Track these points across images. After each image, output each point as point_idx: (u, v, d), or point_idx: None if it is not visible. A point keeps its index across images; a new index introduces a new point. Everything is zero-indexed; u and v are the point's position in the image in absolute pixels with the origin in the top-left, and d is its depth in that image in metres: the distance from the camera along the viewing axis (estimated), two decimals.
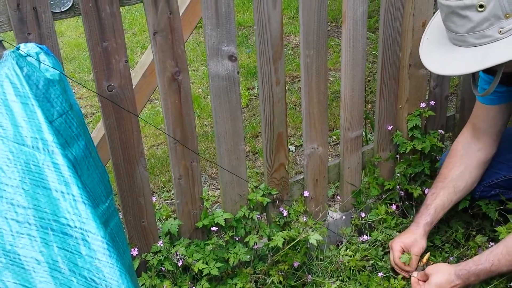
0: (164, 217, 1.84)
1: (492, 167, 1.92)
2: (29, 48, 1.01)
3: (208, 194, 1.89)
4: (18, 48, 0.99)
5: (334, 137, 2.95)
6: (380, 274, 1.91)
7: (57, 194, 0.90)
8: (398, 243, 1.90)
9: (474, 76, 1.70)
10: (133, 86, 1.71)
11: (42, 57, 1.01)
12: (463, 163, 1.89)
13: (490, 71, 1.56)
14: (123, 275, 0.88)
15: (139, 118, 1.66)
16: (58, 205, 0.90)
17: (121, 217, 1.61)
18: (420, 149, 2.12)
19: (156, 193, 2.71)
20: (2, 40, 0.99)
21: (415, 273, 1.87)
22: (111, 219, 1.08)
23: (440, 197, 1.90)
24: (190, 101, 1.69)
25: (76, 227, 0.89)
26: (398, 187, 2.13)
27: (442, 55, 1.56)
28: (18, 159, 0.91)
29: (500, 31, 1.43)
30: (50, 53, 1.06)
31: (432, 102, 2.14)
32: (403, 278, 1.91)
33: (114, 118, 1.58)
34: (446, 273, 1.77)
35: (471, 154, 1.89)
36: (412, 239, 1.88)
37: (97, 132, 2.28)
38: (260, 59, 1.74)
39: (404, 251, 1.90)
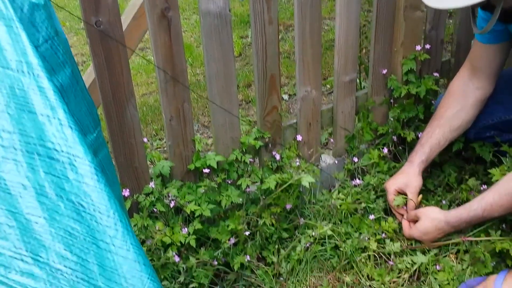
0: (155, 160, 1.83)
1: (488, 108, 1.91)
2: None
3: (200, 138, 1.87)
4: None
5: (328, 85, 2.92)
6: (371, 217, 1.92)
7: (43, 119, 0.88)
8: (392, 185, 1.90)
9: (473, 13, 1.66)
10: (123, 29, 1.66)
11: None
12: (460, 102, 1.88)
13: (489, 8, 1.53)
14: (112, 200, 0.87)
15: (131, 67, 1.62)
16: (44, 129, 0.87)
17: (113, 159, 1.59)
18: (415, 93, 2.10)
19: (148, 140, 2.69)
20: None
21: (403, 222, 1.89)
22: (100, 150, 1.06)
23: (436, 135, 1.89)
24: (180, 40, 1.64)
25: (62, 151, 0.87)
26: (390, 131, 2.12)
27: None
28: (2, 83, 0.88)
29: None
30: None
31: (427, 46, 2.11)
32: (396, 220, 1.93)
33: (103, 57, 1.54)
34: (435, 220, 1.78)
35: (468, 92, 1.88)
36: (406, 179, 1.88)
37: (88, 76, 2.24)
38: None
39: (399, 192, 1.91)
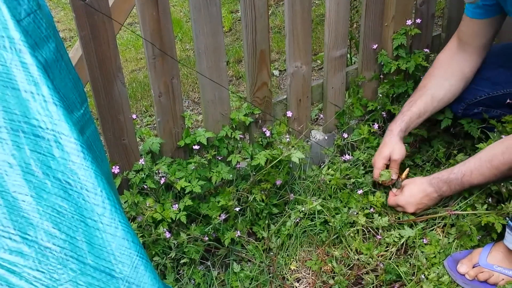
0: (145, 136, 1.82)
1: (475, 84, 1.91)
2: None
3: (190, 114, 1.86)
4: None
5: (319, 61, 2.90)
6: (360, 192, 1.93)
7: (27, 95, 0.86)
8: (379, 160, 1.91)
9: None
10: (110, 4, 1.63)
11: None
12: (445, 73, 1.88)
13: None
14: (99, 178, 0.86)
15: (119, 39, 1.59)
16: (28, 106, 0.86)
17: (100, 133, 1.58)
18: (405, 69, 2.09)
19: (138, 117, 2.67)
20: None
21: (394, 190, 1.91)
22: (87, 127, 1.05)
23: (417, 105, 1.90)
24: (168, 14, 1.61)
25: (48, 128, 0.85)
26: (379, 107, 2.12)
27: None
28: None
29: None
30: None
31: (418, 20, 2.09)
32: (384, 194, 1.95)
33: (89, 30, 1.51)
34: (419, 183, 1.83)
35: (455, 64, 1.88)
36: (390, 149, 1.90)
37: (75, 52, 2.20)
38: None
39: (387, 165, 1.92)
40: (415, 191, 1.83)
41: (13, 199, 0.88)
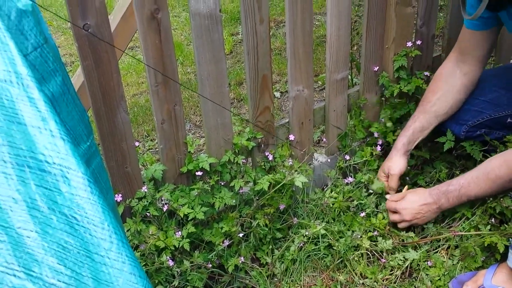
0: (147, 163, 1.81)
1: (477, 106, 1.91)
2: None
3: (193, 140, 1.86)
4: None
5: (320, 82, 2.91)
6: (362, 214, 1.93)
7: (34, 130, 0.86)
8: (379, 172, 1.99)
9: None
10: (112, 30, 1.63)
11: None
12: (446, 87, 1.91)
13: None
14: (106, 212, 0.85)
15: (119, 65, 1.60)
16: (35, 141, 0.86)
17: (103, 162, 1.57)
18: (406, 91, 2.10)
19: (140, 142, 2.67)
20: None
21: (388, 196, 1.92)
22: (93, 159, 1.05)
23: (420, 120, 1.93)
24: (170, 41, 1.62)
25: (54, 163, 0.85)
26: (376, 135, 2.13)
27: None
28: None
29: None
30: None
31: (418, 42, 2.11)
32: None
33: (92, 60, 1.51)
34: (420, 193, 1.87)
35: (456, 77, 1.90)
36: (390, 162, 1.95)
37: (77, 78, 2.21)
38: None
39: (388, 176, 1.97)
40: (415, 199, 1.86)
41: (18, 235, 0.87)
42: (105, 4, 1.48)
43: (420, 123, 1.93)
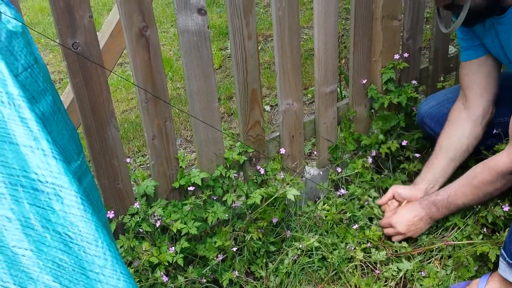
0: (139, 179, 1.81)
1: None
2: None
3: (184, 155, 1.86)
4: None
5: (309, 95, 2.93)
6: (355, 226, 1.93)
7: (26, 150, 0.86)
8: (392, 190, 1.98)
9: (439, 13, 1.70)
10: (101, 47, 1.65)
11: (3, 8, 0.95)
12: (458, 130, 1.91)
13: (454, 8, 1.58)
14: (100, 229, 0.85)
15: (109, 82, 1.60)
16: (27, 160, 0.86)
17: (95, 180, 1.57)
18: (396, 103, 2.12)
19: (131, 157, 2.67)
20: None
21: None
22: (84, 177, 1.05)
23: (440, 160, 1.94)
24: (159, 58, 1.63)
25: (47, 182, 0.85)
26: (374, 153, 2.15)
27: None
28: None
29: None
30: (10, 4, 1.00)
31: (405, 54, 2.14)
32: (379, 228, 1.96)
33: (81, 77, 1.52)
34: (411, 205, 1.90)
35: (464, 119, 1.90)
36: (409, 193, 1.95)
37: (66, 95, 2.22)
38: (231, 12, 1.69)
39: (395, 199, 1.99)
40: (407, 212, 1.89)
41: (13, 253, 0.87)
42: (93, 22, 1.50)
43: (441, 164, 1.93)
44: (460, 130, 1.91)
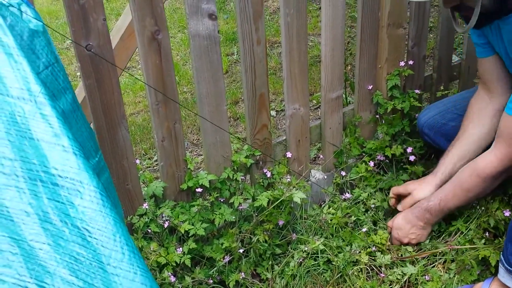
0: (148, 181, 1.84)
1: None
2: None
3: (191, 158, 1.89)
4: None
5: (314, 101, 2.96)
6: (364, 229, 1.96)
7: (46, 145, 0.89)
8: (401, 188, 2.00)
9: (453, 15, 1.72)
10: None
11: (24, 8, 0.98)
12: (478, 115, 1.89)
13: (465, 10, 1.60)
14: (118, 224, 0.88)
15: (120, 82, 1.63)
16: (47, 156, 0.88)
17: None
18: (400, 109, 2.15)
19: (138, 160, 2.69)
20: None
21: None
22: (102, 174, 1.08)
23: (454, 147, 1.91)
24: (170, 61, 1.66)
25: (67, 177, 0.88)
26: (381, 157, 2.16)
27: None
28: (2, 110, 0.89)
29: None
30: (30, 5, 1.03)
31: (410, 62, 2.16)
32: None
33: (94, 79, 1.55)
34: (403, 216, 1.92)
35: (484, 107, 1.88)
36: (420, 186, 1.94)
37: (77, 95, 2.24)
38: (241, 17, 1.72)
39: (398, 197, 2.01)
40: (401, 224, 1.92)
41: (30, 247, 0.89)
42: (106, 25, 1.53)
43: (456, 151, 1.89)
44: (482, 116, 1.87)
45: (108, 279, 0.87)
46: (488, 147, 1.82)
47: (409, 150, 2.10)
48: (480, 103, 1.90)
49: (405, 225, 1.91)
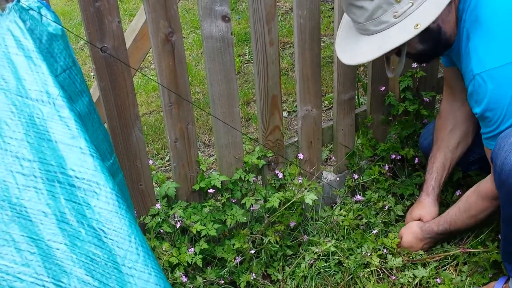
0: (160, 181, 1.85)
1: (470, 146, 1.95)
2: (30, 1, 0.99)
3: (204, 158, 1.90)
4: (18, 1, 0.97)
5: (326, 102, 2.96)
6: (375, 232, 1.96)
7: (64, 147, 0.90)
8: (409, 219, 1.98)
9: (387, 58, 1.71)
10: None
11: (44, 11, 1.00)
12: (451, 121, 1.92)
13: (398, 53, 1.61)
14: (133, 225, 0.89)
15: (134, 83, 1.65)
16: (65, 157, 0.90)
17: None
18: (412, 110, 2.15)
19: (150, 160, 2.71)
20: None
21: None
22: (116, 175, 1.09)
23: (438, 159, 1.95)
24: (184, 63, 1.68)
25: (84, 179, 0.89)
26: (389, 152, 2.16)
27: (352, 45, 1.61)
28: (21, 112, 0.91)
29: (395, 15, 1.48)
30: (50, 8, 1.04)
31: (423, 63, 2.16)
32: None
33: (108, 80, 1.57)
34: (414, 233, 1.92)
35: (456, 110, 1.91)
36: (422, 210, 1.95)
37: (92, 93, 2.27)
38: (253, 19, 1.73)
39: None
40: (414, 242, 1.92)
41: (48, 247, 0.91)
42: (121, 27, 1.54)
43: (440, 162, 1.94)
44: (455, 118, 1.91)
45: (123, 280, 0.88)
46: (469, 145, 1.92)
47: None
48: (451, 107, 1.92)
49: (418, 244, 1.91)
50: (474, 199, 1.74)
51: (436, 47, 1.60)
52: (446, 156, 1.93)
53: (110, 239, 0.89)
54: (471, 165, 2.02)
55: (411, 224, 1.95)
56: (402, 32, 1.47)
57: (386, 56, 1.69)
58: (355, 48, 1.59)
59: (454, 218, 1.81)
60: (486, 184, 1.69)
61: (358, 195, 2.08)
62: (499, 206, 1.65)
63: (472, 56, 1.51)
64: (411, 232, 1.93)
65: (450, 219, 1.83)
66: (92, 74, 3.59)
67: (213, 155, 2.67)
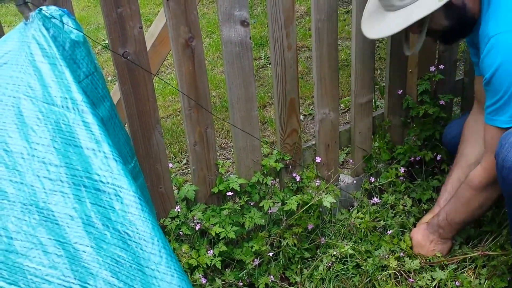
0: (179, 184, 1.88)
1: None
2: (51, 10, 1.02)
3: (223, 162, 1.92)
4: (41, 10, 1.00)
5: (342, 105, 2.96)
6: (389, 232, 1.96)
7: (89, 152, 0.93)
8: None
9: (406, 36, 1.76)
10: None
11: (65, 19, 1.02)
12: (474, 137, 1.91)
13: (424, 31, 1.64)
14: (156, 228, 0.91)
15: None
16: (90, 162, 0.93)
17: None
18: (431, 113, 2.14)
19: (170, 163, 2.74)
20: (28, 2, 1.00)
21: None
22: (137, 179, 1.11)
23: (454, 172, 1.96)
24: (203, 68, 1.70)
25: (108, 183, 0.92)
26: (407, 154, 2.16)
27: (378, 22, 1.67)
28: (48, 119, 0.93)
29: None
30: (71, 16, 1.07)
31: (441, 66, 2.15)
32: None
33: (130, 85, 1.60)
34: (421, 231, 1.94)
35: (479, 125, 1.90)
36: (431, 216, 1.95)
37: (112, 96, 2.30)
38: (272, 24, 1.75)
39: None
40: (422, 242, 1.93)
41: (74, 250, 0.94)
42: (143, 33, 1.57)
43: (456, 175, 1.95)
44: (478, 134, 1.87)
45: (147, 281, 0.90)
46: None
47: (438, 157, 2.09)
48: (474, 123, 1.91)
49: (426, 242, 1.92)
50: (462, 188, 1.78)
51: (461, 23, 1.63)
52: (464, 171, 1.92)
53: (134, 241, 0.91)
54: None
55: (419, 225, 1.98)
56: (427, 4, 1.51)
57: (406, 35, 1.74)
58: (381, 25, 1.64)
59: (450, 207, 1.84)
60: (474, 173, 1.72)
61: (375, 197, 2.09)
62: (490, 197, 1.70)
63: (491, 19, 1.53)
64: (419, 231, 1.95)
65: (447, 209, 1.85)
66: (109, 78, 3.64)
67: (229, 158, 2.70)
